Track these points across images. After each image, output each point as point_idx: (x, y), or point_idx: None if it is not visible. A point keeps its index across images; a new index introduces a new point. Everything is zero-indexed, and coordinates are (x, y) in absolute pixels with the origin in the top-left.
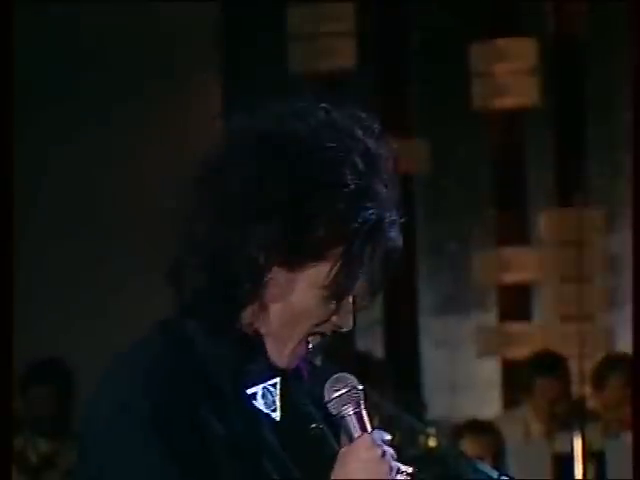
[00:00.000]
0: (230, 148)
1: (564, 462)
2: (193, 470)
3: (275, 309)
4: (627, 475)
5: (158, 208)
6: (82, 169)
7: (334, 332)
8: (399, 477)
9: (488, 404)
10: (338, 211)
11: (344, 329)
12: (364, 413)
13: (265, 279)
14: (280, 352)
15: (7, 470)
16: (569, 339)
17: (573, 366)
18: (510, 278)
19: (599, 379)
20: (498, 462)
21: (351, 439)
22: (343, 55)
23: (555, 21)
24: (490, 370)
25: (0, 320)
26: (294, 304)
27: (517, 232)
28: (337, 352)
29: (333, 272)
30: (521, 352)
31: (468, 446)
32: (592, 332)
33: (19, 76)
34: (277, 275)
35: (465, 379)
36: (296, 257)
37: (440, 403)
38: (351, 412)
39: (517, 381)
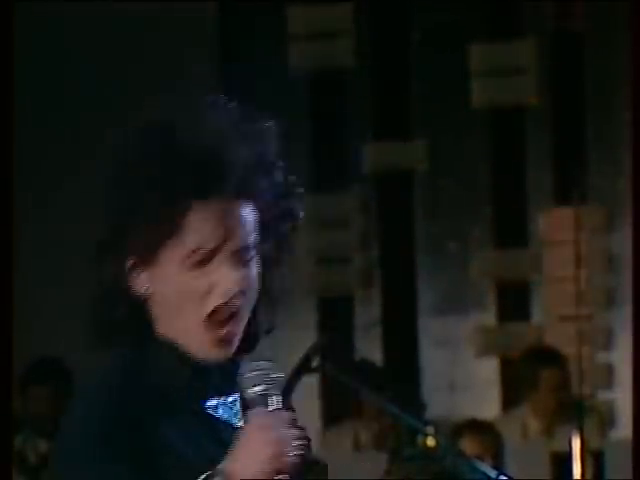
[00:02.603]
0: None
1: (562, 461)
2: None
3: (159, 309)
4: (626, 475)
5: None
6: (82, 169)
7: (231, 302)
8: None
9: (487, 404)
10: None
11: (228, 290)
12: (275, 397)
13: (135, 286)
14: (198, 346)
15: (7, 469)
16: (568, 339)
17: (572, 366)
18: (509, 278)
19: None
20: (497, 462)
21: None
22: (342, 54)
23: (554, 20)
24: (489, 370)
25: (0, 320)
26: (168, 293)
27: (516, 231)
28: (336, 352)
29: (181, 244)
30: (520, 352)
31: (467, 445)
32: (591, 332)
33: (19, 77)
34: (142, 277)
35: (464, 379)
36: (143, 250)
37: (439, 402)
38: (258, 392)
39: (519, 376)
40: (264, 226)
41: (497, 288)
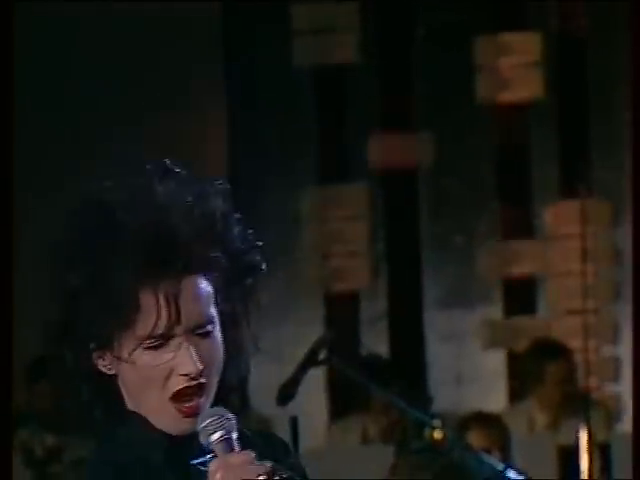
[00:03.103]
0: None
1: (569, 454)
2: None
3: (125, 388)
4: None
5: None
6: (82, 170)
7: (193, 381)
8: None
9: (494, 397)
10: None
11: (189, 374)
12: (234, 439)
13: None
14: (166, 422)
15: (8, 470)
16: (574, 332)
17: (578, 359)
18: (515, 271)
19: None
20: (504, 454)
21: None
22: (346, 50)
23: (559, 15)
24: (496, 363)
25: (0, 317)
26: (130, 376)
27: (522, 225)
28: (343, 347)
29: (134, 330)
30: (526, 345)
31: (474, 438)
32: (597, 325)
33: (21, 77)
34: (104, 359)
35: (471, 372)
36: (100, 337)
37: (446, 396)
38: (218, 439)
39: (524, 370)
40: (225, 287)
41: (503, 282)
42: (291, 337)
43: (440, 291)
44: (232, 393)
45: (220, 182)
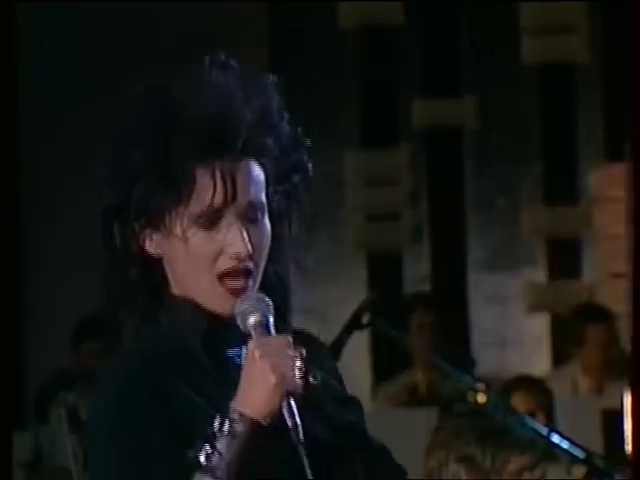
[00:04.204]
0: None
1: (614, 418)
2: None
3: (171, 270)
4: None
5: None
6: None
7: (242, 262)
8: (294, 384)
9: (538, 360)
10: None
11: (238, 254)
12: (271, 324)
13: (147, 248)
14: (212, 300)
15: (8, 470)
16: (619, 296)
17: (622, 323)
18: (559, 234)
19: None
20: (548, 418)
21: None
22: (391, 11)
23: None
24: (540, 326)
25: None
26: (178, 256)
27: (566, 188)
28: (387, 310)
29: (189, 207)
30: (571, 309)
31: (518, 402)
32: None
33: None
34: (153, 239)
35: (515, 335)
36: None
37: (489, 359)
38: (255, 322)
39: (567, 334)
40: (274, 181)
41: (547, 245)
42: (335, 299)
43: (484, 253)
44: (273, 291)
45: (275, 78)
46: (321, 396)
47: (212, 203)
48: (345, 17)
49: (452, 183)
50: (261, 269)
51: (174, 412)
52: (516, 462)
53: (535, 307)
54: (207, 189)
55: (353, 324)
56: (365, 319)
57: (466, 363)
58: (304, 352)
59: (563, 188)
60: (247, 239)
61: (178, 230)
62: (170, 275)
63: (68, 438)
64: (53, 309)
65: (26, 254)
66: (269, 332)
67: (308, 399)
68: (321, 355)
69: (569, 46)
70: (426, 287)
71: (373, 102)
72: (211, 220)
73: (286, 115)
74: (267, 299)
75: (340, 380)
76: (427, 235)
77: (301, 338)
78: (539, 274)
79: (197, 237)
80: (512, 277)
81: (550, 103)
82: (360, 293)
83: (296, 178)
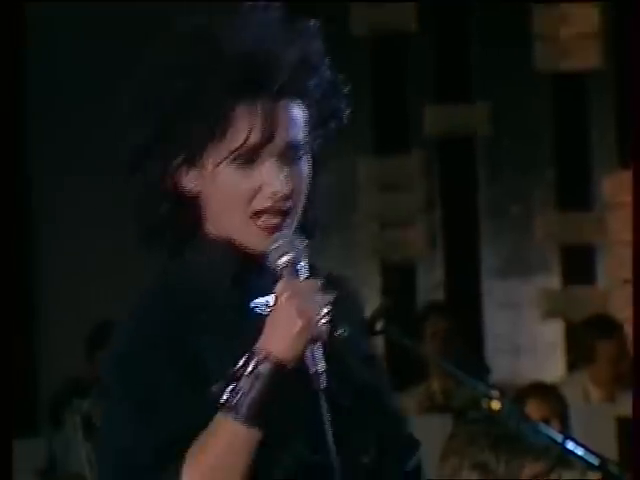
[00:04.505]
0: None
1: (628, 425)
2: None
3: (206, 207)
4: None
5: None
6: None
7: (279, 201)
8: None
9: (552, 367)
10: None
11: (276, 193)
12: (302, 266)
13: (183, 184)
14: (246, 237)
15: (8, 470)
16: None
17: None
18: (573, 241)
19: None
20: (563, 425)
21: None
22: (403, 17)
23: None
24: (554, 333)
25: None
26: (214, 192)
27: (580, 194)
28: (397, 312)
29: (227, 143)
30: (584, 315)
31: (532, 409)
32: None
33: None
34: (189, 176)
35: (528, 342)
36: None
37: (503, 366)
38: (286, 262)
39: (577, 345)
40: (312, 125)
41: (561, 251)
42: None
43: (498, 260)
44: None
45: (317, 25)
46: (344, 350)
47: (250, 141)
48: (357, 23)
49: (465, 190)
50: (299, 210)
51: (191, 356)
52: (530, 469)
53: (549, 313)
54: (245, 126)
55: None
56: (378, 326)
57: (480, 370)
58: (333, 298)
59: (576, 194)
60: (285, 178)
61: (214, 167)
62: (206, 213)
63: (82, 445)
64: (67, 315)
65: (40, 261)
66: (299, 274)
67: (331, 350)
68: (350, 304)
69: (581, 52)
70: (440, 294)
71: (385, 108)
72: (248, 158)
73: (327, 60)
74: (303, 241)
75: (364, 334)
76: (441, 242)
77: (333, 283)
78: (553, 280)
79: (234, 175)
80: (525, 284)
81: (562, 109)
82: (374, 300)
83: (333, 124)
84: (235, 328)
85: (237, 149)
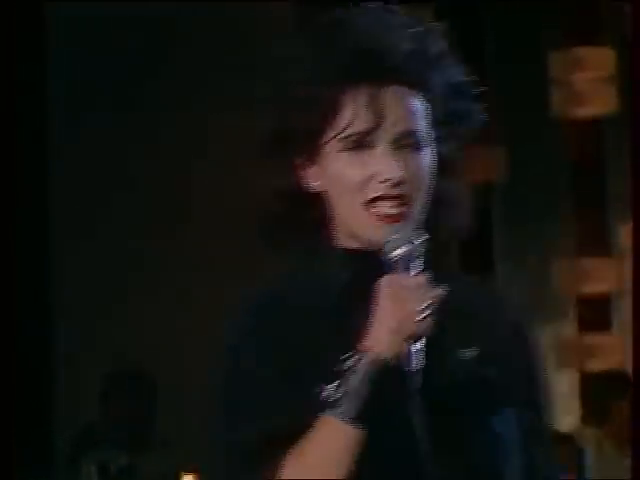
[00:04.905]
0: None
1: None
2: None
3: (329, 200)
4: None
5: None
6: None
7: (394, 189)
8: (420, 317)
9: (567, 416)
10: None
11: (389, 179)
12: (415, 262)
13: (302, 177)
14: (362, 226)
15: (8, 471)
16: None
17: None
18: (590, 289)
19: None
20: (578, 474)
21: None
22: None
23: (633, 30)
24: (569, 381)
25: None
26: (329, 183)
27: (597, 242)
28: None
29: (340, 129)
30: (601, 364)
31: None
32: None
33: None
34: (305, 164)
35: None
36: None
37: None
38: (399, 255)
39: (591, 403)
40: (436, 122)
41: (578, 299)
42: None
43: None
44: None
45: (440, 26)
46: (452, 347)
47: (358, 124)
48: None
49: (482, 236)
50: (419, 199)
51: (298, 352)
52: None
53: (565, 362)
54: (353, 113)
55: None
56: None
57: None
58: (442, 295)
59: (594, 242)
60: (398, 165)
61: (328, 155)
62: (330, 210)
63: None
64: (84, 357)
65: (59, 300)
66: (410, 269)
67: (433, 348)
68: (497, 319)
69: (598, 98)
70: None
71: None
72: (360, 144)
73: (454, 61)
74: (421, 235)
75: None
76: None
77: (455, 283)
78: (569, 329)
79: (346, 162)
80: (542, 331)
81: (580, 156)
82: None
83: (460, 125)
84: (346, 326)
85: (346, 133)
